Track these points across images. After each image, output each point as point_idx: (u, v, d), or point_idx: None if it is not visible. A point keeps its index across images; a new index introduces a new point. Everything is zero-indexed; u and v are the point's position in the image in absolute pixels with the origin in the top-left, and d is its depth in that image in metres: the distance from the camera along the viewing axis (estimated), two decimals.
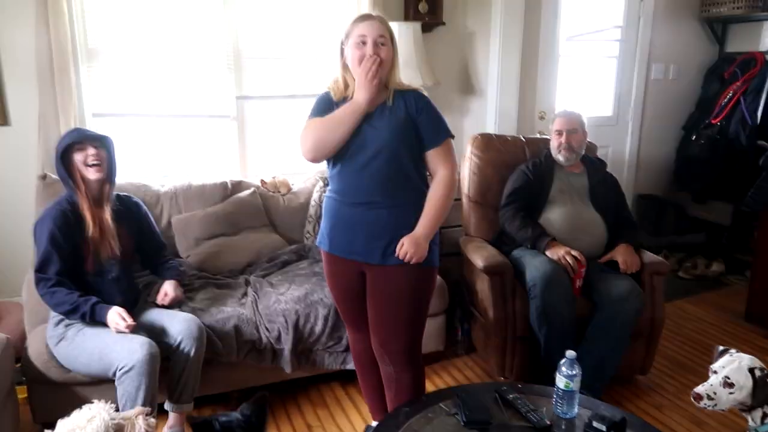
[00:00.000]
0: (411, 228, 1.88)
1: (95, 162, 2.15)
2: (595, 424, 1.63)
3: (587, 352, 2.42)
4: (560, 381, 1.71)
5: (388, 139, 1.86)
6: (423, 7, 3.46)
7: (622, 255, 2.64)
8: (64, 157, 2.15)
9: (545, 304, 2.45)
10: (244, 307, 2.46)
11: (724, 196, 4.11)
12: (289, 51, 3.33)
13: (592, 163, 2.91)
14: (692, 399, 1.69)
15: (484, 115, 3.81)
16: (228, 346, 2.34)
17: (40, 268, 2.11)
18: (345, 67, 1.96)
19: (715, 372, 1.70)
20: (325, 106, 1.97)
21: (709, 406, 1.67)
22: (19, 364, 2.28)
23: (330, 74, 3.26)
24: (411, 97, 1.94)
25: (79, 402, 1.57)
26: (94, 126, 3.00)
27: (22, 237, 2.87)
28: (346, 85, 1.96)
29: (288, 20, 3.30)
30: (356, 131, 1.88)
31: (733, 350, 1.75)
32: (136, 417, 1.52)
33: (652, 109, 4.36)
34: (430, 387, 2.68)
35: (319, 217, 3.05)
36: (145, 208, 2.49)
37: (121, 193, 2.43)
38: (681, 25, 4.28)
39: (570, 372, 1.68)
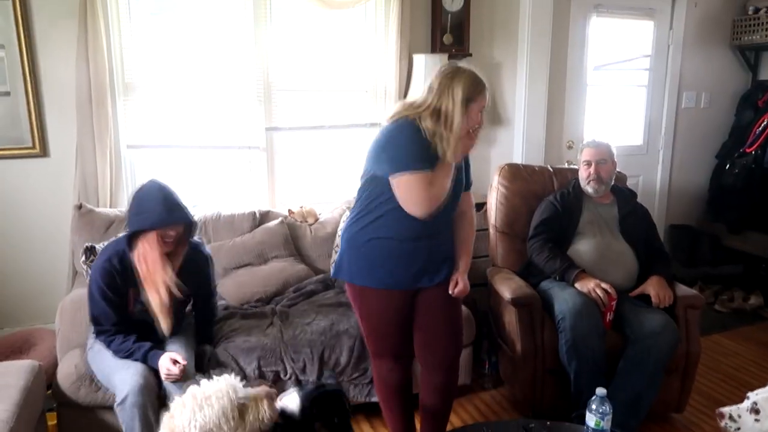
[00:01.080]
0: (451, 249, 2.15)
1: (171, 240, 2.12)
2: None
3: (620, 388, 2.36)
4: (590, 419, 1.66)
5: (452, 185, 2.02)
6: (448, 38, 3.50)
7: (654, 288, 2.57)
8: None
9: (575, 338, 2.39)
10: (269, 338, 2.46)
11: (761, 227, 3.99)
12: (317, 83, 3.40)
13: (621, 194, 2.87)
14: (716, 416, 1.71)
15: (511, 145, 3.80)
16: (249, 378, 2.33)
17: (96, 322, 2.17)
18: (436, 114, 1.93)
19: (748, 398, 1.71)
20: (422, 148, 1.94)
21: (731, 427, 1.70)
22: (49, 391, 2.32)
23: (355, 105, 3.31)
24: None
25: (106, 427, 1.57)
26: (128, 157, 3.10)
27: (58, 264, 2.96)
28: (433, 133, 1.94)
29: (316, 52, 3.37)
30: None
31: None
32: (261, 400, 1.56)
33: (683, 137, 4.30)
34: (456, 421, 2.63)
35: None
36: (212, 262, 2.44)
37: (197, 241, 2.36)
38: (712, 53, 4.24)
39: (601, 410, 1.63)
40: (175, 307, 2.24)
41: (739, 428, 1.66)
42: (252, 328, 2.52)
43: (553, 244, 2.72)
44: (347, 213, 3.11)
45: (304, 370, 2.43)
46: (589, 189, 2.79)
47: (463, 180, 2.15)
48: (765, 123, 3.94)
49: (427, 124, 1.93)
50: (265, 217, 3.11)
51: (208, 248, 2.48)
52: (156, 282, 2.11)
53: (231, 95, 3.24)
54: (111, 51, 2.94)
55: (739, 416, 1.65)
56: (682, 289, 2.69)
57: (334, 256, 3.09)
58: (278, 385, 2.42)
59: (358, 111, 3.51)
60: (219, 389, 1.52)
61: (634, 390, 2.39)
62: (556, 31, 3.73)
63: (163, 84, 3.12)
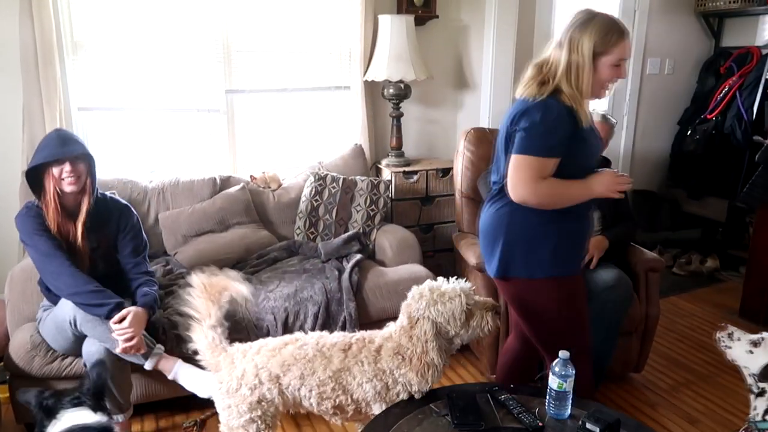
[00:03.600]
0: None
1: (71, 176, 2.07)
2: (588, 425, 1.59)
3: None
4: (553, 381, 1.67)
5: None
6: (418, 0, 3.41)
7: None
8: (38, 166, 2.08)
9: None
10: (230, 305, 2.41)
11: (719, 192, 4.08)
12: (279, 44, 3.28)
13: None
14: (718, 327, 1.77)
15: (477, 109, 3.77)
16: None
17: (45, 271, 2.11)
18: (570, 70, 1.71)
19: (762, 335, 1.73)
20: (567, 129, 1.71)
21: (722, 342, 1.74)
22: (1, 363, 2.24)
23: (319, 67, 3.19)
24: None
25: None
26: (79, 120, 2.95)
27: (4, 233, 2.82)
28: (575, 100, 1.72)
29: (279, 12, 3.24)
30: (591, 149, 1.83)
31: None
32: (487, 310, 1.72)
33: (647, 104, 4.33)
34: None
35: (310, 213, 3.01)
36: (128, 214, 2.30)
37: (109, 195, 2.33)
38: (677, 20, 4.24)
39: (563, 372, 1.64)
40: (108, 267, 2.21)
41: (729, 347, 1.72)
42: None
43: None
44: (311, 178, 3.05)
45: (267, 336, 2.38)
46: None
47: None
48: (726, 89, 3.99)
49: (565, 90, 1.71)
50: (226, 182, 3.02)
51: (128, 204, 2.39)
52: (75, 215, 2.13)
53: (189, 55, 3.10)
54: (57, 6, 2.76)
55: (738, 339, 1.71)
56: (644, 253, 2.73)
57: (298, 222, 3.03)
58: None
59: (322, 73, 3.41)
60: (453, 289, 1.70)
61: (593, 346, 2.43)
62: None
63: (115, 43, 2.95)
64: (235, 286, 1.86)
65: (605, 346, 2.46)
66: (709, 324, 3.36)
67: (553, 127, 1.69)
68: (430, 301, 1.70)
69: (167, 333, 2.25)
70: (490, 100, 3.71)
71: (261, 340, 1.83)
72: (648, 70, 4.26)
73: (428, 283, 1.75)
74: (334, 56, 3.41)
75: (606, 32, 1.71)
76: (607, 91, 1.79)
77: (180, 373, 2.15)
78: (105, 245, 2.24)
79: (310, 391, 1.72)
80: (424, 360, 1.69)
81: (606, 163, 2.89)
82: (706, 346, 3.05)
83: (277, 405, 1.75)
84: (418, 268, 2.79)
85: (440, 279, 1.75)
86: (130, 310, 2.05)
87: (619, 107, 4.27)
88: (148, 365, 2.13)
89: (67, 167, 2.06)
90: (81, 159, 2.10)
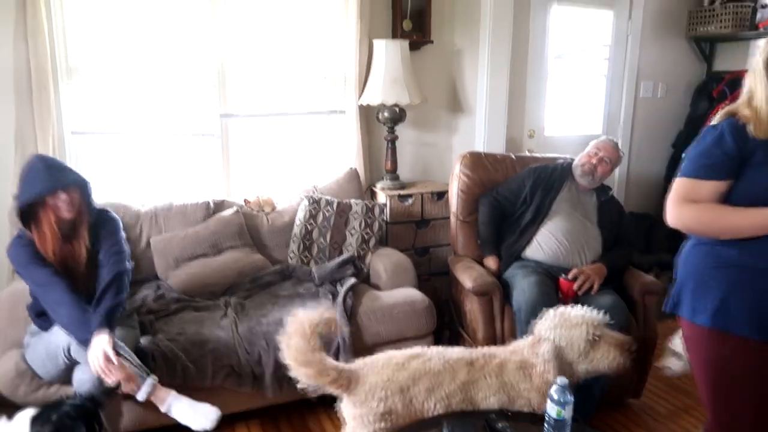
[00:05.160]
0: None
1: (68, 205, 2.06)
2: None
3: None
4: (551, 409, 1.63)
5: None
6: (407, 24, 3.44)
7: (584, 272, 2.58)
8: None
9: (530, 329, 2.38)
10: (223, 330, 2.37)
11: None
12: (274, 68, 3.29)
13: (600, 186, 2.90)
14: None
15: (472, 133, 3.77)
16: (201, 372, 2.25)
17: (38, 286, 2.08)
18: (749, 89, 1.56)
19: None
20: (732, 149, 1.51)
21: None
22: None
23: (313, 91, 3.20)
24: None
25: None
26: (72, 144, 2.94)
27: None
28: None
29: (273, 37, 3.26)
30: None
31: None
32: (615, 346, 1.73)
33: (641, 127, 4.35)
34: None
35: (304, 236, 2.98)
36: (113, 226, 2.26)
37: (98, 207, 2.29)
38: (669, 44, 4.29)
39: (561, 399, 1.60)
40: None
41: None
42: (204, 321, 2.43)
43: (498, 212, 2.88)
44: (305, 201, 3.04)
45: (259, 362, 2.35)
46: (578, 173, 2.82)
47: None
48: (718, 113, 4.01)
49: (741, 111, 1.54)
50: (219, 206, 3.00)
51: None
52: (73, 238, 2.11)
53: (183, 79, 3.11)
54: (52, 31, 2.77)
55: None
56: (641, 276, 2.72)
57: (292, 246, 3.00)
58: (231, 379, 2.34)
59: (317, 98, 3.42)
60: (579, 317, 1.75)
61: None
62: (518, 19, 3.70)
63: (110, 67, 2.96)
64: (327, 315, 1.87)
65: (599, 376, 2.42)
66: None
67: (709, 147, 1.55)
68: (554, 323, 1.79)
69: (156, 359, 2.20)
70: (484, 124, 3.71)
71: (384, 354, 1.88)
72: (641, 94, 4.29)
73: (561, 310, 1.83)
74: (329, 80, 3.42)
75: None
76: None
77: (174, 405, 2.10)
78: (95, 256, 2.20)
79: (437, 403, 1.77)
80: (544, 378, 1.73)
81: (605, 189, 2.90)
82: None
83: (403, 416, 1.78)
84: (413, 292, 2.76)
85: (575, 306, 1.83)
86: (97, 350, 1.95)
87: (613, 131, 4.29)
88: (140, 396, 2.07)
89: (62, 197, 2.04)
90: (74, 186, 2.08)
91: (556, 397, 1.61)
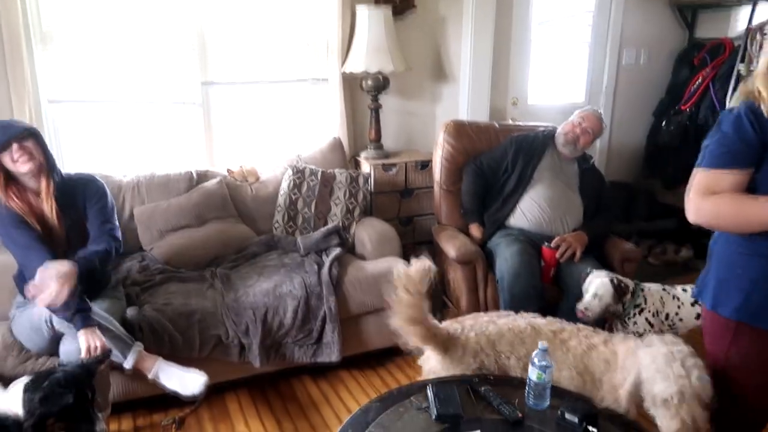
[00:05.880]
0: None
1: (23, 156, 2.02)
2: (567, 416, 1.61)
3: None
4: (532, 372, 1.68)
5: None
6: None
7: (566, 240, 2.63)
8: None
9: (512, 298, 2.45)
10: (209, 301, 2.39)
11: None
12: (256, 35, 3.23)
13: (581, 155, 2.93)
14: (578, 316, 2.21)
15: (456, 101, 3.76)
16: (188, 343, 2.27)
17: (25, 260, 2.06)
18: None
19: (587, 291, 2.31)
20: (751, 135, 1.40)
21: (589, 316, 2.24)
22: None
23: (296, 59, 3.14)
24: None
25: None
26: (50, 113, 2.88)
27: None
28: None
29: (255, 3, 3.18)
30: None
31: (593, 270, 2.37)
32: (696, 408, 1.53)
33: (623, 95, 4.37)
34: (403, 379, 2.65)
35: (288, 206, 2.98)
36: (93, 183, 2.23)
37: (74, 173, 2.27)
38: (651, 11, 4.28)
39: (542, 363, 1.65)
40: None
41: (591, 313, 2.27)
42: (190, 292, 2.44)
43: (482, 181, 2.90)
44: (289, 171, 3.03)
45: (246, 332, 2.37)
46: (560, 141, 2.85)
47: None
48: (699, 81, 4.04)
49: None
50: (202, 176, 2.98)
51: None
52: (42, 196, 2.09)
53: (163, 46, 3.04)
54: None
55: (588, 306, 2.28)
56: (621, 244, 2.77)
57: (277, 216, 3.00)
58: (219, 349, 2.37)
59: (299, 65, 3.37)
60: (683, 373, 1.54)
61: None
62: None
63: (86, 33, 2.87)
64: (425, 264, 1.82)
65: None
66: None
67: (726, 134, 1.43)
68: (658, 364, 1.59)
69: (143, 330, 2.21)
70: (468, 91, 3.70)
71: (471, 315, 1.96)
72: (624, 61, 4.30)
73: (678, 347, 1.61)
74: (311, 48, 3.37)
75: None
76: None
77: (161, 372, 2.12)
78: (78, 222, 2.18)
79: (518, 360, 1.81)
80: (617, 392, 1.67)
81: (586, 158, 2.93)
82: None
83: (493, 372, 1.82)
84: (398, 262, 2.78)
85: (692, 359, 1.58)
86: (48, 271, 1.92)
87: (595, 99, 4.30)
88: (127, 364, 2.08)
89: (15, 148, 2.01)
90: (26, 136, 2.04)
91: (536, 361, 1.66)
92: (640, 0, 4.21)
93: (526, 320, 1.89)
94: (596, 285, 2.31)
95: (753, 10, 3.78)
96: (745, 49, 3.68)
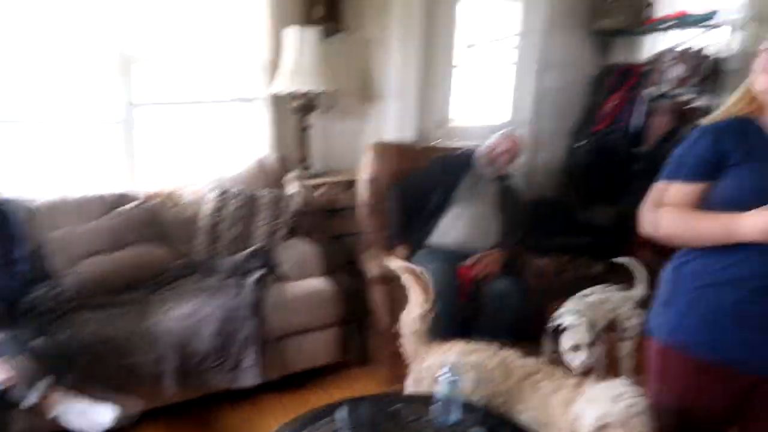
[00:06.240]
0: None
1: None
2: (475, 430, 1.66)
3: None
4: (441, 387, 1.73)
5: None
6: (318, 11, 3.43)
7: (481, 260, 2.73)
8: None
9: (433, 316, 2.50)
10: (123, 328, 2.32)
11: (608, 200, 4.35)
12: (181, 55, 3.20)
13: (501, 175, 3.04)
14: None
15: (384, 122, 3.81)
16: (100, 372, 2.20)
17: None
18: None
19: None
20: (709, 148, 1.41)
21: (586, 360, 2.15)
22: None
23: (223, 79, 3.13)
24: None
25: None
26: None
27: None
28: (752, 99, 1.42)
29: (181, 22, 3.14)
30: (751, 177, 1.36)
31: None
32: None
33: (544, 115, 4.55)
34: (324, 401, 2.64)
35: (211, 229, 2.94)
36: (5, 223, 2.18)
37: None
38: (571, 36, 4.49)
39: (450, 378, 1.70)
40: None
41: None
42: (104, 320, 2.36)
43: (407, 202, 2.92)
44: (213, 193, 2.99)
45: (163, 359, 2.32)
46: (481, 162, 2.96)
47: None
48: (612, 103, 4.28)
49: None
50: (121, 199, 2.89)
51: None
52: None
53: (84, 65, 2.94)
54: None
55: None
56: (536, 260, 2.89)
57: (199, 239, 2.94)
58: (134, 378, 2.31)
59: (226, 86, 3.36)
60: (623, 418, 1.49)
61: None
62: (429, 7, 3.77)
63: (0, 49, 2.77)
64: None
65: None
66: None
67: (683, 148, 1.46)
68: (603, 411, 1.54)
69: (51, 362, 2.12)
70: (395, 113, 3.77)
71: (459, 343, 1.95)
72: (546, 83, 4.49)
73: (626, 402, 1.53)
74: (239, 68, 3.37)
75: None
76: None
77: (66, 409, 2.00)
78: None
79: (480, 398, 1.80)
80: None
81: (506, 177, 3.04)
82: None
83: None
84: (321, 283, 2.81)
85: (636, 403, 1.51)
86: None
87: (519, 118, 4.46)
88: (28, 401, 1.97)
89: None
90: None
91: (445, 376, 1.70)
92: (560, 26, 4.42)
93: (500, 358, 1.88)
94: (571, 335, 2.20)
95: (657, 39, 4.06)
96: (652, 73, 3.95)
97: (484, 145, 3.00)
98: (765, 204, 1.28)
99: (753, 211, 1.28)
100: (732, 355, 1.39)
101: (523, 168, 4.49)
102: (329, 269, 2.96)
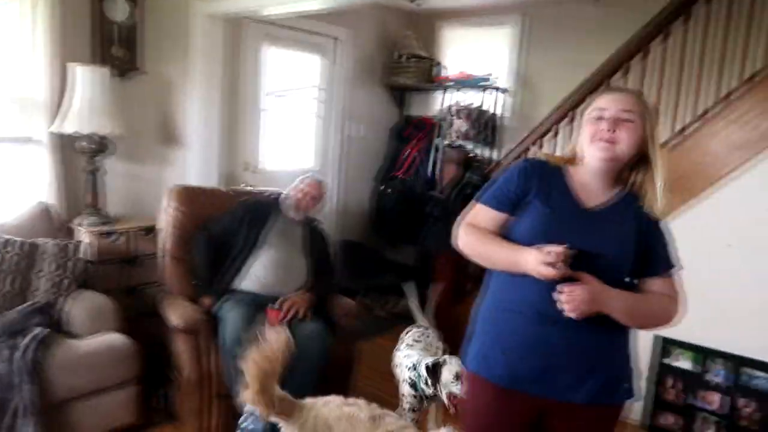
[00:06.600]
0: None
1: None
2: None
3: None
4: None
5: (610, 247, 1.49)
6: (117, 50, 3.26)
7: (289, 302, 2.76)
8: None
9: (235, 362, 2.44)
10: None
11: (411, 240, 4.70)
12: None
13: (307, 218, 3.09)
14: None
15: (185, 166, 3.70)
16: None
17: None
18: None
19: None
20: (517, 185, 1.57)
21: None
22: None
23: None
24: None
25: None
26: None
27: None
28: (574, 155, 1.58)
29: None
30: (540, 219, 1.53)
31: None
32: None
33: (349, 162, 4.81)
34: None
35: None
36: None
37: None
38: (370, 89, 4.86)
39: (250, 427, 1.69)
40: None
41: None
42: None
43: (212, 248, 2.86)
44: None
45: None
46: (285, 205, 3.00)
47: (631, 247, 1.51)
48: (408, 152, 4.69)
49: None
50: None
51: None
52: None
53: None
54: None
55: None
56: (343, 300, 2.99)
57: None
58: None
59: (2, 123, 2.99)
60: None
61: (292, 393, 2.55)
62: (231, 54, 3.79)
63: None
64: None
65: (304, 390, 2.59)
66: None
67: (500, 178, 1.63)
68: None
69: None
70: (198, 157, 3.68)
71: (331, 396, 1.95)
72: (348, 132, 4.76)
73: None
74: (16, 105, 3.03)
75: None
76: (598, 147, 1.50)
77: None
78: None
79: None
80: None
81: (312, 221, 3.12)
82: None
83: None
84: (116, 337, 2.58)
85: None
86: None
87: (325, 165, 4.66)
88: None
89: None
90: None
91: (243, 425, 1.69)
92: (360, 81, 4.76)
93: (372, 409, 1.90)
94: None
95: (444, 95, 4.56)
96: (441, 126, 4.42)
97: (288, 189, 3.07)
98: (547, 242, 1.42)
99: (532, 248, 1.44)
100: (522, 382, 1.53)
101: (331, 211, 4.68)
102: (127, 322, 2.74)
